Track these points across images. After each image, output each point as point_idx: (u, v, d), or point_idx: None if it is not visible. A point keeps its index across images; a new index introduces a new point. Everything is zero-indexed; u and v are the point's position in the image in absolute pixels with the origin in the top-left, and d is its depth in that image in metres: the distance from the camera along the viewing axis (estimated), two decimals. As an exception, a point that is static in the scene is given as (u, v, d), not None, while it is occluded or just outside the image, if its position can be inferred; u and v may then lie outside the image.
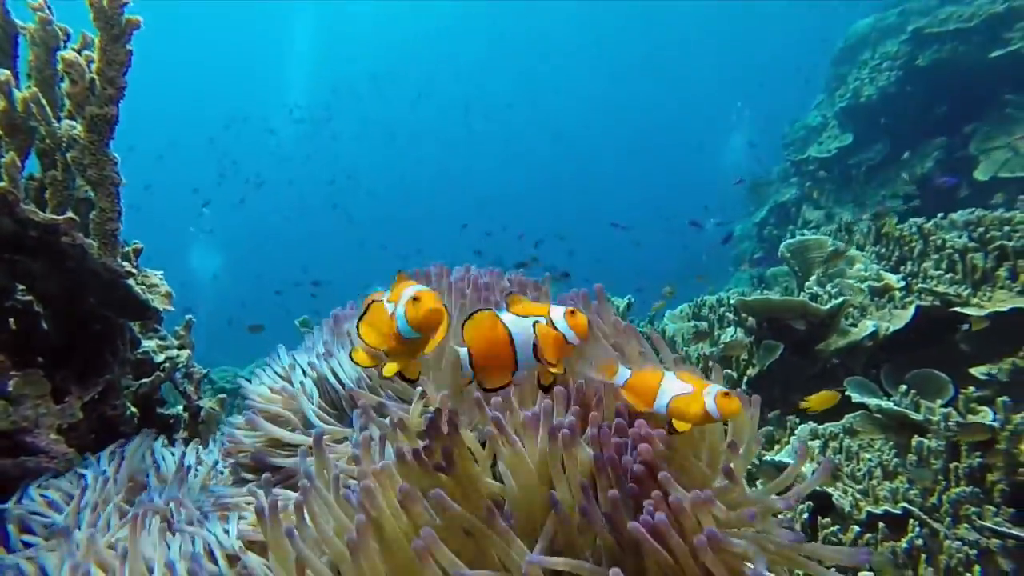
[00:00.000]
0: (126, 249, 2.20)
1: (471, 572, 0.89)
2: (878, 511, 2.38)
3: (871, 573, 2.13)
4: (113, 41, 1.69)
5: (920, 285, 3.83)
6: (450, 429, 1.02)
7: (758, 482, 2.69)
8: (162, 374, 2.51)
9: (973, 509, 2.48)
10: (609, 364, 1.10)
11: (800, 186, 8.66)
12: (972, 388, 3.30)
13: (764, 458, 2.84)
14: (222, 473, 1.77)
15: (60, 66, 1.78)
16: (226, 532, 1.30)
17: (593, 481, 1.04)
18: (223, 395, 2.87)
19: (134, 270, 2.11)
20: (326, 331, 1.63)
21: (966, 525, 2.42)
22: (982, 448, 2.79)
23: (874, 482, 2.53)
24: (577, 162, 38.14)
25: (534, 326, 1.04)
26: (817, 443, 2.81)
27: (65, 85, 1.78)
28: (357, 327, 1.00)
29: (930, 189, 7.30)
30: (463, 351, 1.04)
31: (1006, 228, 4.11)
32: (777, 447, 3.06)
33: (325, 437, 1.27)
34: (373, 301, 1.02)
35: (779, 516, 1.10)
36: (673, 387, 1.08)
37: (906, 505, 2.38)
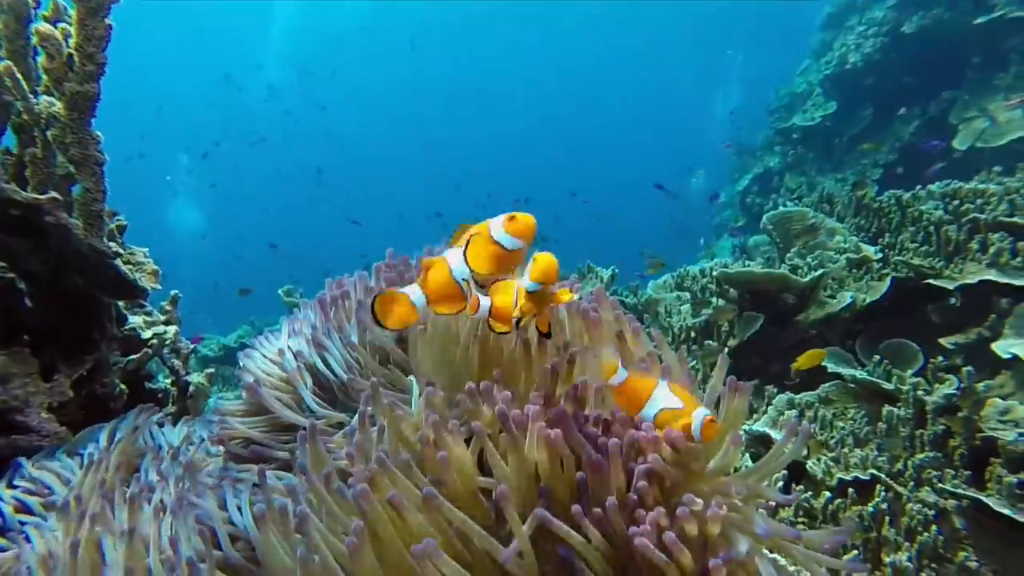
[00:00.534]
0: (110, 227, 2.17)
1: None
2: (848, 477, 2.50)
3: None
4: (91, 14, 1.64)
5: (896, 257, 3.92)
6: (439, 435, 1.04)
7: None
8: (150, 351, 2.51)
9: (934, 473, 2.62)
10: (611, 363, 1.10)
11: (784, 155, 8.69)
12: (940, 358, 3.43)
13: (744, 427, 2.94)
14: (210, 452, 1.79)
15: (35, 39, 1.73)
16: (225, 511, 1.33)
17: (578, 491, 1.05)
18: (210, 370, 2.87)
19: (121, 250, 2.09)
20: (314, 315, 1.63)
21: (927, 488, 2.56)
22: (946, 415, 2.93)
23: (845, 450, 2.65)
24: (564, 126, 37.73)
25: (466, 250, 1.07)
26: (793, 412, 2.92)
27: (42, 60, 1.73)
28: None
29: (913, 154, 7.38)
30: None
31: (979, 201, 4.21)
32: (755, 416, 3.17)
33: (321, 422, 1.31)
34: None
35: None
36: (664, 399, 1.09)
37: (874, 471, 2.50)
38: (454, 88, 36.63)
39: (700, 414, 1.07)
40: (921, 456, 2.64)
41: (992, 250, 3.77)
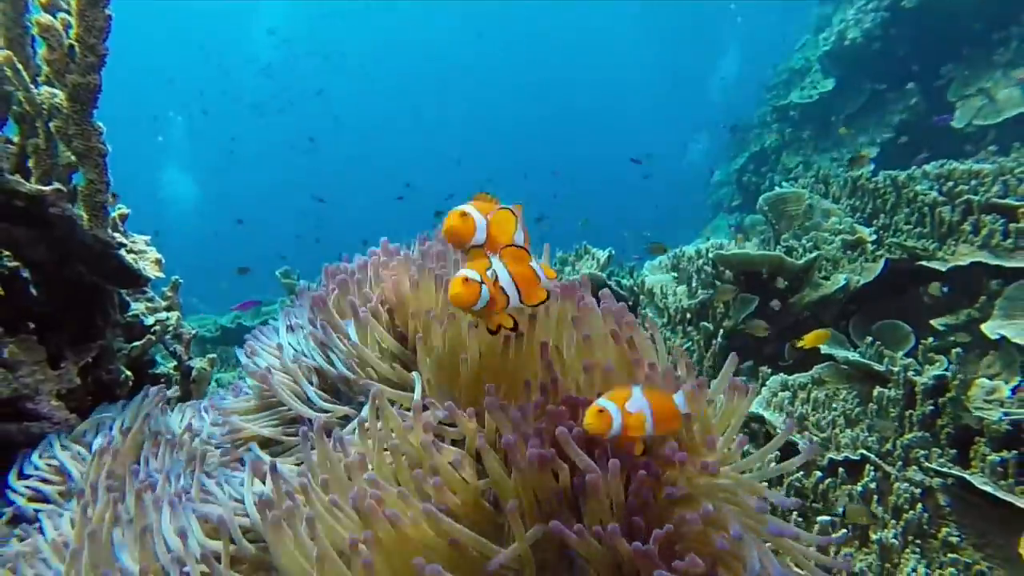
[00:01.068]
0: (112, 215, 2.18)
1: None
2: (839, 457, 2.57)
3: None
4: (91, 5, 1.62)
5: (891, 239, 3.96)
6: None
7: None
8: (153, 337, 2.54)
9: (922, 452, 2.70)
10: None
11: (781, 132, 8.67)
12: (931, 339, 3.50)
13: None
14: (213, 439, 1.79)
15: (35, 30, 1.72)
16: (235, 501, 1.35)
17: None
18: (212, 355, 2.91)
19: (124, 239, 2.10)
20: (309, 310, 1.64)
21: (915, 467, 2.64)
22: (935, 395, 3.00)
23: (836, 430, 2.72)
24: (562, 96, 37.31)
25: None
26: (787, 394, 2.99)
27: (42, 51, 1.72)
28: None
29: (914, 130, 7.37)
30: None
31: (973, 182, 4.24)
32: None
33: (327, 416, 1.34)
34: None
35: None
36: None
37: (864, 452, 2.58)
38: (449, 59, 36.12)
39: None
40: (909, 436, 2.71)
41: (984, 232, 3.82)
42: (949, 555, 2.31)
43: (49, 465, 1.81)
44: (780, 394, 3.00)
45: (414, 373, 1.30)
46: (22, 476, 1.80)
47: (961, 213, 3.95)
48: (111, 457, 1.71)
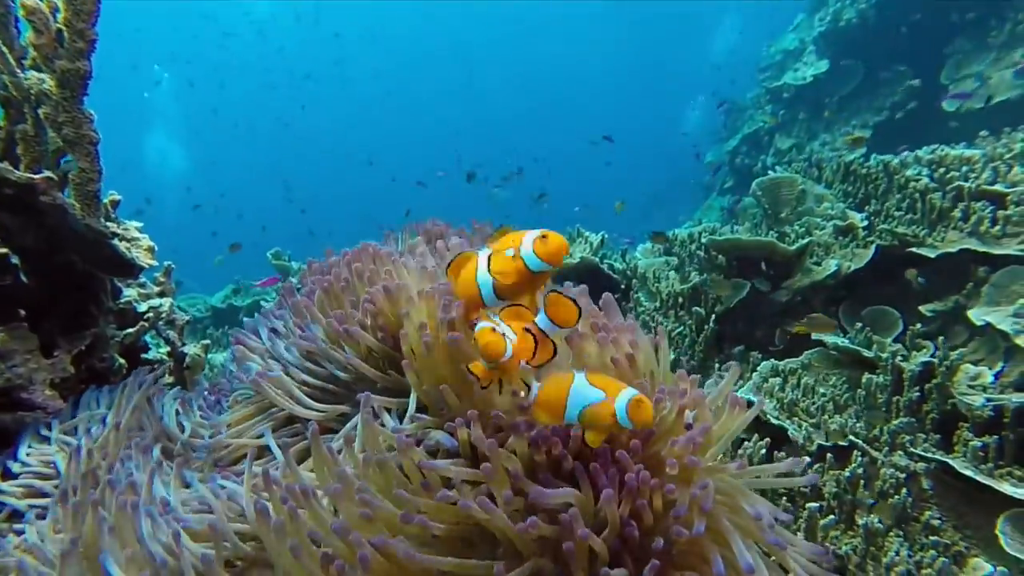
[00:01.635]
0: (104, 202, 2.15)
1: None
2: (827, 443, 2.63)
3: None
4: (77, -12, 1.58)
5: (882, 225, 3.99)
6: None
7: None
8: (146, 324, 2.53)
9: (907, 437, 2.76)
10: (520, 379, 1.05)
11: (774, 114, 8.64)
12: (919, 325, 3.55)
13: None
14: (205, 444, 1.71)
15: (21, 12, 1.67)
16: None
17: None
18: (206, 341, 2.90)
19: (118, 230, 2.07)
20: (289, 309, 1.61)
21: (900, 452, 2.70)
22: (922, 381, 3.06)
23: (826, 416, 2.77)
24: (552, 75, 36.86)
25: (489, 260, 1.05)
26: (777, 380, 3.03)
27: (29, 35, 1.67)
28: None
29: (918, 110, 7.32)
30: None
31: (964, 168, 4.27)
32: (740, 382, 3.28)
33: (322, 416, 1.34)
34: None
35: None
36: (583, 394, 1.01)
37: (852, 438, 2.63)
38: (436, 42, 35.53)
39: (624, 398, 0.99)
40: (896, 422, 2.77)
41: (973, 219, 3.85)
42: (930, 537, 2.38)
43: (36, 460, 1.75)
44: (771, 380, 3.04)
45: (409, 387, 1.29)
46: (7, 476, 1.73)
47: (952, 200, 3.98)
48: (97, 456, 1.63)
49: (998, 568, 2.34)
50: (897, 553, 2.17)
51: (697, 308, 3.88)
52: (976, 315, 3.46)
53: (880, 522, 2.24)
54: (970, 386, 3.11)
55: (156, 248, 2.24)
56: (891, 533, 2.27)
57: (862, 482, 2.42)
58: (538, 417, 1.06)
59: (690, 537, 1.00)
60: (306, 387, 1.42)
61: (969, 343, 3.59)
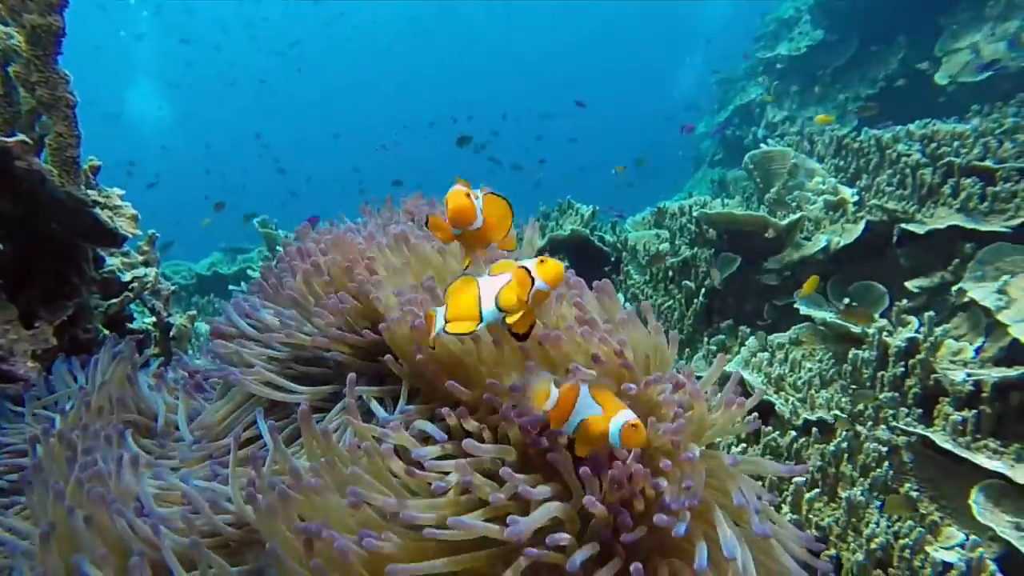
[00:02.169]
0: (83, 168, 2.07)
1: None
2: (813, 417, 2.67)
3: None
4: (48, -60, 1.49)
5: (872, 200, 4.00)
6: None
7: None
8: (131, 294, 2.47)
9: (891, 412, 2.82)
10: (542, 390, 1.06)
11: (767, 86, 8.55)
12: (904, 300, 3.59)
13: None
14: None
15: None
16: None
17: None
18: (192, 312, 2.85)
19: (100, 198, 2.00)
20: (271, 300, 1.56)
21: (883, 426, 2.76)
22: (907, 357, 3.11)
23: (812, 391, 2.81)
24: (540, 44, 36.12)
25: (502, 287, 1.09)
26: (765, 355, 3.06)
27: (-5, -11, 1.58)
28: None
29: (909, 83, 7.26)
30: (440, 309, 1.13)
31: (956, 144, 4.26)
32: (728, 356, 3.31)
33: (307, 397, 1.31)
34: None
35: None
36: (585, 408, 1.04)
37: (837, 412, 2.67)
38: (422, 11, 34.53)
39: (619, 421, 1.03)
40: (881, 396, 2.81)
41: (963, 195, 3.86)
42: (909, 508, 2.45)
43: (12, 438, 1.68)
44: (759, 355, 3.07)
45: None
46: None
47: (942, 176, 3.99)
48: (67, 440, 1.55)
49: (971, 536, 2.41)
50: (877, 524, 2.23)
51: (687, 282, 3.89)
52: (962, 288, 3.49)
53: (863, 495, 2.29)
54: (952, 361, 3.16)
55: (139, 217, 2.18)
56: (871, 505, 2.33)
57: (846, 456, 2.47)
58: (553, 424, 1.09)
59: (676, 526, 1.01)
60: (291, 371, 1.39)
61: (952, 319, 3.64)
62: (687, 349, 3.64)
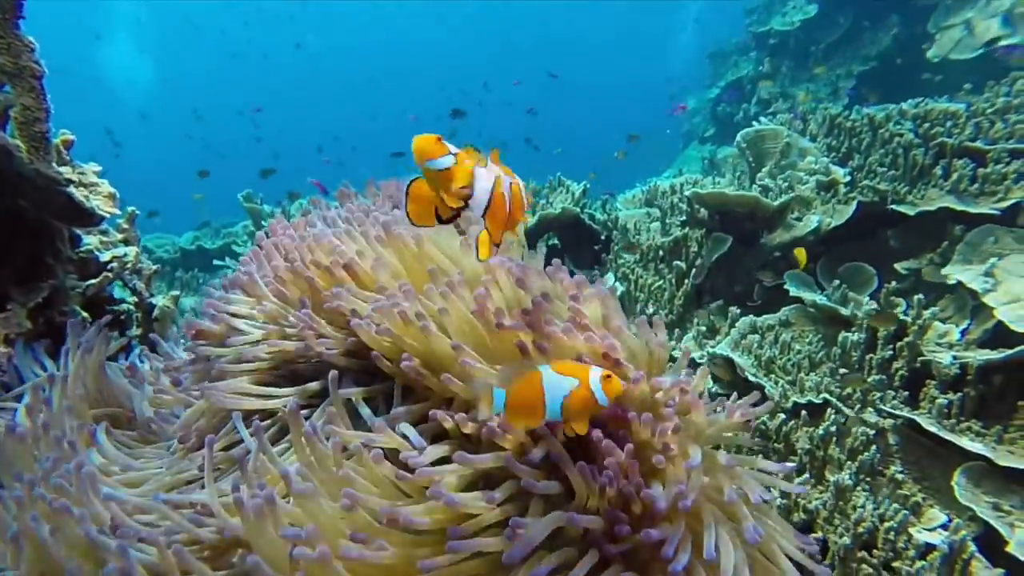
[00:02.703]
0: (55, 142, 1.97)
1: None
2: (802, 400, 2.68)
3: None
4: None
5: (864, 181, 3.98)
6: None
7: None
8: (110, 274, 2.39)
9: (878, 395, 2.84)
10: (486, 396, 1.02)
11: (759, 61, 8.45)
12: (894, 283, 3.60)
13: (707, 349, 3.08)
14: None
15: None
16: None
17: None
18: (176, 292, 2.77)
19: (74, 175, 1.91)
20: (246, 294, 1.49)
21: (871, 409, 2.78)
22: (895, 339, 3.12)
23: (802, 374, 2.82)
24: (533, 24, 35.37)
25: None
26: (756, 337, 3.05)
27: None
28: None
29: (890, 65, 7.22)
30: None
31: (949, 123, 4.24)
32: (719, 337, 3.31)
33: (294, 397, 1.26)
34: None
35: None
36: (557, 386, 1.01)
37: (826, 396, 2.69)
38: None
39: (595, 381, 1.01)
40: (869, 379, 2.83)
41: (954, 176, 3.86)
42: (895, 491, 2.48)
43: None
44: (749, 336, 3.07)
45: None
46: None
47: (934, 156, 3.97)
48: (33, 435, 1.47)
49: (953, 519, 2.46)
50: (863, 506, 2.25)
51: (678, 262, 3.87)
52: (948, 273, 3.51)
53: (850, 478, 2.31)
54: (938, 344, 3.19)
55: (117, 195, 2.09)
56: (858, 488, 2.36)
57: (834, 439, 2.48)
58: (514, 424, 1.04)
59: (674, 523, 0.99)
60: (277, 371, 1.34)
61: (939, 301, 3.67)
62: (676, 329, 3.63)
